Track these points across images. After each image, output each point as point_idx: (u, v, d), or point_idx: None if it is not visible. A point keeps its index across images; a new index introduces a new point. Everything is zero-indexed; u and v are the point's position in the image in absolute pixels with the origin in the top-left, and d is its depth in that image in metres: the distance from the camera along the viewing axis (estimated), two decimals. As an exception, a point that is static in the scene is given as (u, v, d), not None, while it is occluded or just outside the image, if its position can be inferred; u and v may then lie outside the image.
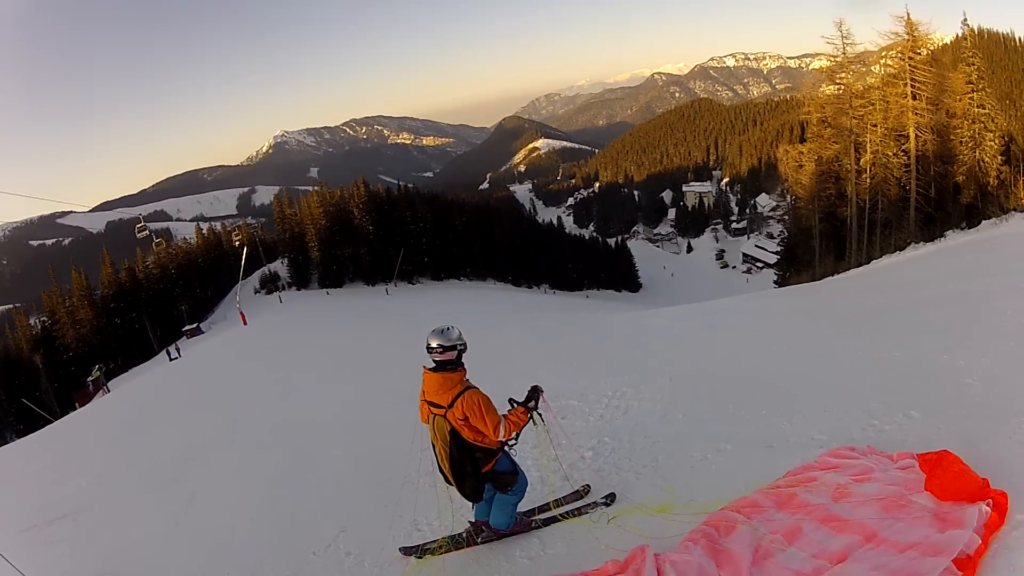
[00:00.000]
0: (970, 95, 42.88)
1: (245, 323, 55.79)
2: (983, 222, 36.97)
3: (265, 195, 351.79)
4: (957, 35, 56.93)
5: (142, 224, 59.64)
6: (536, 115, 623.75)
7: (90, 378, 61.00)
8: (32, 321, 76.54)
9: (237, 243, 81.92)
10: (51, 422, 48.93)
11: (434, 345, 6.94)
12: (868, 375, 11.65)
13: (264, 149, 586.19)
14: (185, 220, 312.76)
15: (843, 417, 9.60)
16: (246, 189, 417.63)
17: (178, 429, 21.82)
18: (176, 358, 50.27)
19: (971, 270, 24.86)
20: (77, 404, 55.32)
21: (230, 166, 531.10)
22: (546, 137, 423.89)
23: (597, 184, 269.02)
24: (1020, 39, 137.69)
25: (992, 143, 42.37)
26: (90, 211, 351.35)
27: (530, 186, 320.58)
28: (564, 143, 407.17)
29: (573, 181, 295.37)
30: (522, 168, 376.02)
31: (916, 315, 17.05)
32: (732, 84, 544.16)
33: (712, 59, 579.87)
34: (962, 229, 37.75)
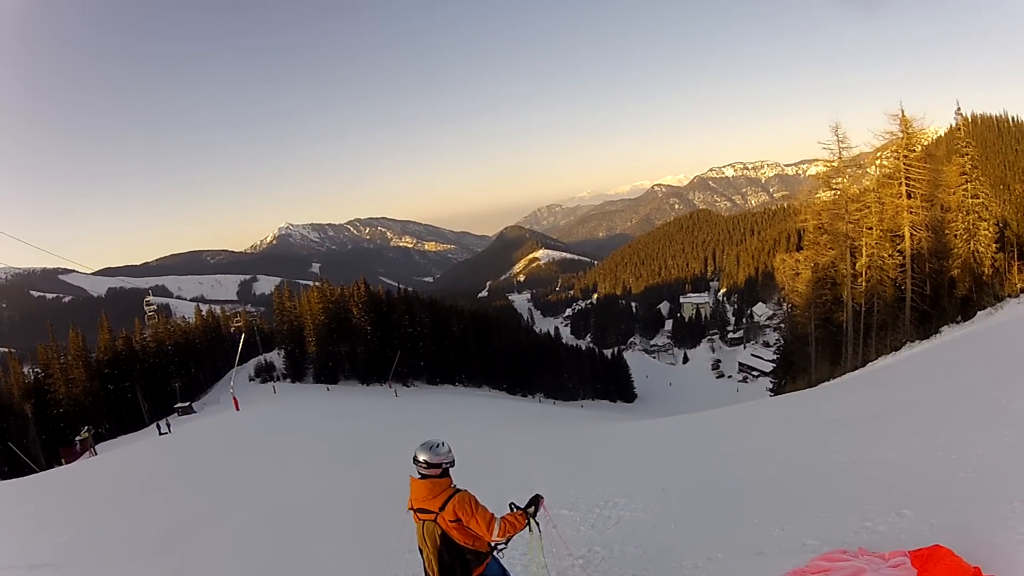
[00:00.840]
0: (964, 186, 43.24)
1: (238, 408, 55.59)
2: (978, 313, 37.03)
3: (266, 285, 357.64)
4: (951, 125, 57.46)
5: (150, 299, 59.69)
6: (537, 225, 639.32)
7: (79, 437, 60.65)
8: (26, 370, 75.88)
9: (234, 328, 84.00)
10: (36, 472, 49.24)
11: (421, 459, 6.78)
12: (860, 478, 11.75)
13: (268, 239, 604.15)
14: (185, 299, 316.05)
15: (835, 521, 9.53)
16: (248, 277, 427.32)
17: (167, 501, 21.71)
18: (166, 433, 49.99)
19: (965, 363, 25.14)
20: (63, 460, 55.86)
21: (234, 251, 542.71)
22: (546, 248, 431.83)
23: (595, 295, 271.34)
24: (1013, 119, 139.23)
25: (987, 232, 42.62)
26: (93, 273, 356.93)
27: (529, 296, 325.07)
28: (564, 254, 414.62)
29: (571, 292, 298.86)
30: (521, 278, 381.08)
31: (909, 414, 17.11)
32: (731, 194, 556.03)
33: (711, 170, 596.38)
34: (957, 323, 37.77)
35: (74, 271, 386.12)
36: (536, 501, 7.29)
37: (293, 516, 18.18)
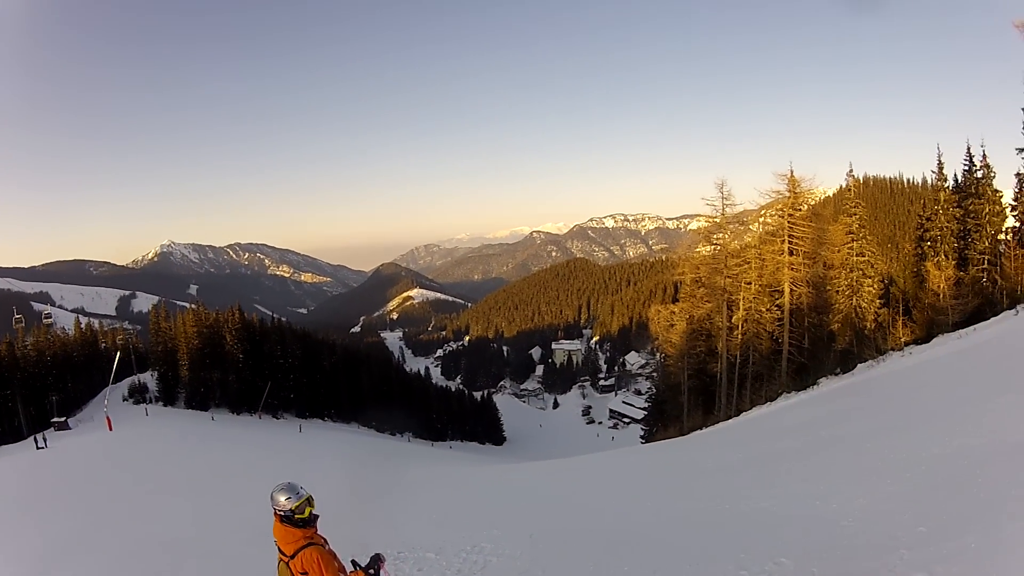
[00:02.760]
0: (850, 244, 44.42)
1: (111, 428, 54.25)
2: (858, 365, 37.66)
3: (144, 303, 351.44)
4: (841, 186, 58.79)
5: (48, 312, 57.54)
6: (414, 264, 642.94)
7: None
8: None
9: (105, 346, 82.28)
10: None
11: (277, 502, 6.58)
12: (736, 527, 12.30)
13: (150, 256, 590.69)
14: (67, 309, 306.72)
15: (709, 569, 9.80)
16: (127, 292, 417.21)
17: (43, 523, 21.07)
18: (43, 448, 48.31)
19: (843, 414, 25.39)
20: None
21: (116, 264, 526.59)
22: (421, 287, 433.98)
23: (467, 337, 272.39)
24: (907, 182, 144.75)
25: (870, 288, 44.01)
26: None
27: (401, 334, 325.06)
28: (438, 294, 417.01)
29: (444, 332, 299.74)
30: (395, 315, 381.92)
31: (786, 464, 17.78)
32: (609, 244, 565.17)
33: (592, 219, 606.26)
34: (836, 375, 38.33)
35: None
36: (376, 562, 7.13)
37: (163, 545, 17.51)
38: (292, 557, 6.45)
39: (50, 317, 59.83)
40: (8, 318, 62.14)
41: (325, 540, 6.80)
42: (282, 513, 6.55)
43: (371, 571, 6.96)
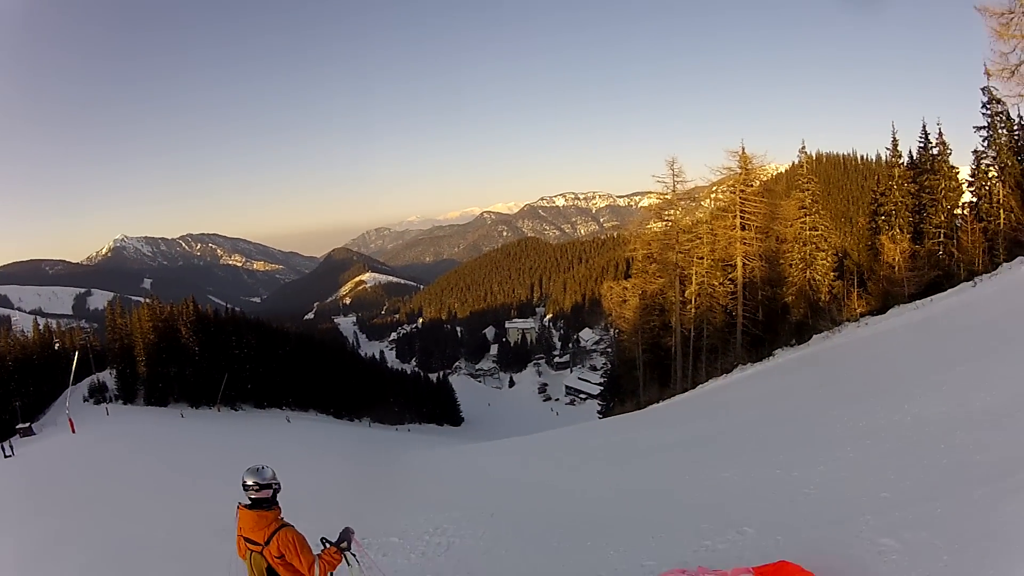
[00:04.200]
0: (803, 219, 44.84)
1: (73, 431, 53.37)
2: (814, 336, 37.97)
3: (100, 299, 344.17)
4: (794, 162, 59.18)
5: (16, 317, 56.40)
6: (365, 248, 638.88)
7: None
8: None
9: (57, 346, 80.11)
10: None
11: (250, 483, 6.69)
12: (696, 497, 12.42)
13: (104, 251, 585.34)
14: (25, 311, 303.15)
15: (672, 541, 9.80)
16: (83, 290, 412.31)
17: (13, 531, 20.59)
18: (10, 455, 46.75)
19: (800, 384, 25.85)
20: None
21: (71, 262, 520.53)
22: (373, 271, 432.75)
23: (420, 320, 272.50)
24: (861, 158, 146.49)
25: (824, 261, 44.46)
26: None
27: (355, 319, 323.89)
28: (390, 278, 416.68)
29: (397, 316, 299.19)
30: (348, 300, 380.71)
31: (744, 435, 17.86)
32: (560, 223, 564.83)
33: (542, 199, 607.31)
34: (792, 346, 38.68)
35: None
36: (347, 535, 7.13)
37: (131, 547, 17.45)
38: (267, 543, 6.46)
39: (18, 326, 58.36)
40: None
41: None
42: (254, 496, 6.60)
43: (343, 545, 6.96)
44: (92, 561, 16.44)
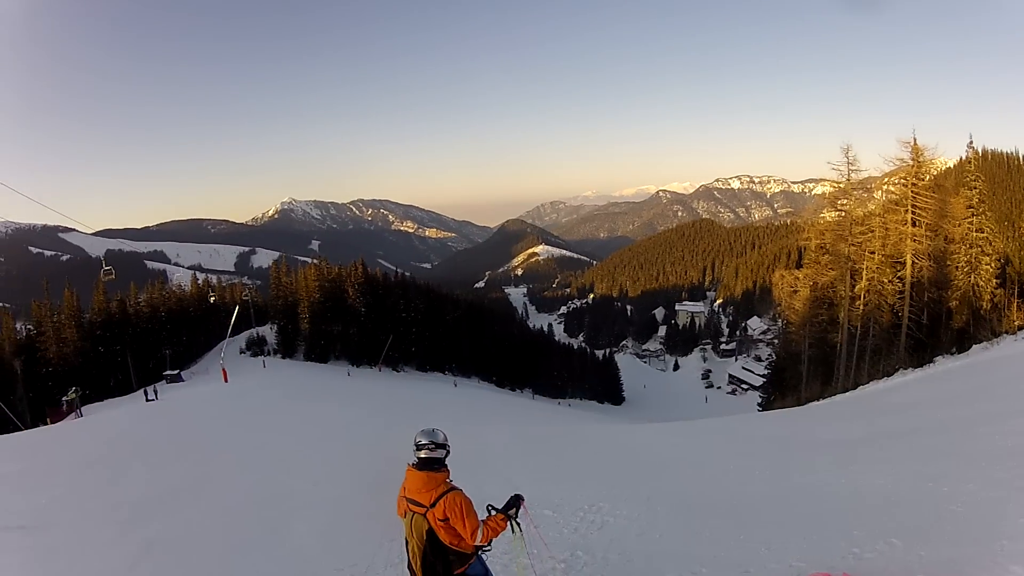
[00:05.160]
0: (970, 219, 43.17)
1: (226, 380, 55.30)
2: (973, 346, 36.88)
3: (264, 258, 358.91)
4: (961, 158, 57.20)
5: (109, 268, 57.93)
6: (539, 221, 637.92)
7: (65, 398, 59.07)
8: (19, 326, 75.09)
9: (213, 300, 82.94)
10: (20, 429, 49.11)
11: (424, 442, 6.77)
12: (850, 503, 11.78)
13: (270, 213, 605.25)
14: (183, 267, 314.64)
15: (822, 544, 9.52)
16: (247, 249, 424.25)
17: (150, 470, 21.06)
18: (153, 400, 48.91)
19: (959, 396, 24.91)
20: (49, 420, 54.91)
21: (234, 223, 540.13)
22: (546, 244, 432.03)
23: (591, 295, 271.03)
24: (1023, 158, 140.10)
25: (988, 266, 42.61)
26: (93, 234, 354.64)
27: (525, 290, 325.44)
28: (563, 252, 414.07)
29: (568, 290, 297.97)
30: (519, 272, 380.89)
31: (901, 442, 17.03)
32: (735, 206, 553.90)
33: (717, 180, 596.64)
34: (952, 354, 37.54)
35: (75, 230, 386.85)
36: (516, 502, 7.23)
37: (275, 494, 17.67)
38: (433, 505, 6.51)
39: (111, 275, 59.50)
40: (120, 279, 62.78)
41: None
42: (426, 455, 6.74)
43: (511, 512, 7.07)
44: (228, 501, 17.20)
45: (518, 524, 7.22)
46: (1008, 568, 7.16)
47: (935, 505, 10.26)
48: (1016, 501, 9.64)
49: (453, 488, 6.65)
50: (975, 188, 44.11)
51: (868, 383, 40.41)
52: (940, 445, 15.40)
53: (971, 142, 48.03)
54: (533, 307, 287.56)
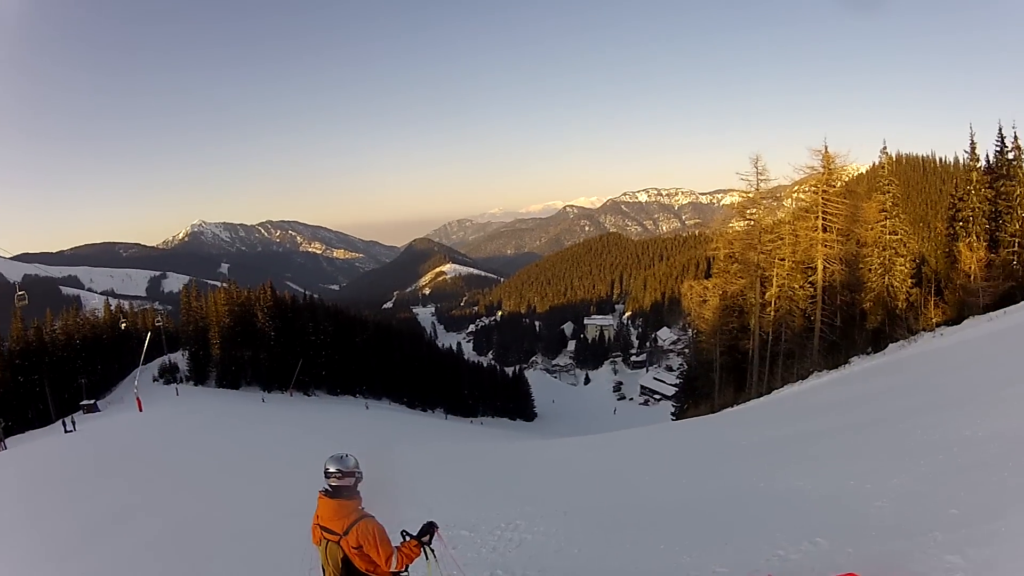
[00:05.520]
0: (883, 223, 44.05)
1: (141, 409, 54.59)
2: (889, 345, 37.69)
3: (175, 283, 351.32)
4: (875, 163, 58.46)
5: (22, 294, 56.17)
6: (446, 239, 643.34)
7: None
8: None
9: (123, 326, 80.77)
10: None
11: (332, 470, 6.62)
12: (771, 506, 12.18)
13: (180, 236, 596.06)
14: (96, 292, 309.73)
15: (745, 549, 9.69)
16: (158, 273, 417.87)
17: (71, 503, 21.28)
18: (71, 431, 48.43)
19: (876, 393, 25.43)
20: None
21: (146, 246, 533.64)
22: (454, 262, 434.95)
23: (499, 313, 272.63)
24: (940, 160, 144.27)
25: (902, 267, 43.65)
26: (11, 258, 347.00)
27: (433, 310, 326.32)
28: (471, 270, 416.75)
29: (476, 308, 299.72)
30: (427, 291, 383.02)
31: (819, 443, 17.49)
32: (642, 219, 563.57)
33: (625, 194, 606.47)
34: (868, 354, 38.35)
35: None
36: (430, 528, 7.11)
37: (196, 526, 17.65)
38: (346, 533, 6.41)
39: (24, 299, 57.86)
40: (36, 305, 61.12)
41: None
42: (335, 483, 6.59)
43: (424, 538, 6.97)
44: (155, 538, 16.91)
45: (432, 550, 7.13)
46: (943, 558, 7.34)
47: (860, 502, 10.47)
48: (945, 493, 9.83)
49: (365, 516, 6.56)
50: (888, 192, 45.14)
51: (782, 387, 41.41)
52: (860, 443, 15.64)
53: (884, 147, 48.97)
54: (442, 326, 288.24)
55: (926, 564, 7.28)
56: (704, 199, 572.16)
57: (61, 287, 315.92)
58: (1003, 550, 7.27)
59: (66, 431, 48.51)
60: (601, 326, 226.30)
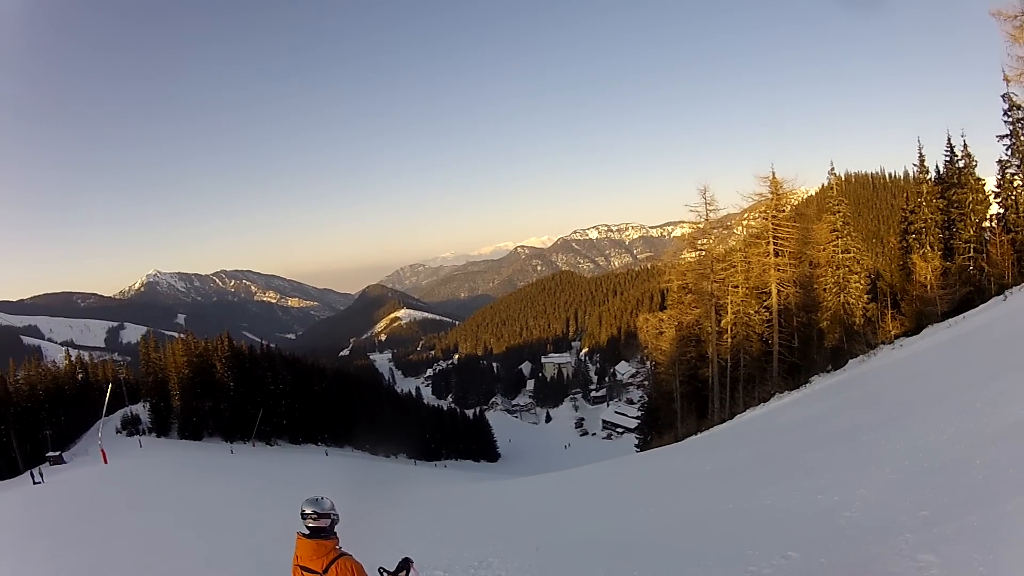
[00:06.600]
0: (835, 242, 44.54)
1: (106, 462, 53.91)
2: (849, 361, 37.89)
3: (133, 333, 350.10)
4: (823, 185, 58.93)
5: None
6: (400, 284, 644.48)
7: None
8: None
9: (80, 377, 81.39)
10: None
11: (308, 512, 6.51)
12: (740, 525, 12.47)
13: (136, 286, 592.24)
14: (56, 342, 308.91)
15: (718, 569, 9.82)
16: (116, 324, 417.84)
17: (45, 557, 20.57)
18: (40, 482, 48.15)
19: (838, 410, 25.59)
20: None
21: (103, 295, 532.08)
22: (408, 307, 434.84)
23: (456, 356, 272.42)
24: (889, 176, 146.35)
25: (857, 284, 44.07)
26: None
27: (390, 355, 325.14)
28: (426, 314, 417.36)
29: (433, 352, 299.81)
30: (383, 337, 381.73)
31: (785, 461, 17.88)
32: (594, 256, 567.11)
33: (575, 232, 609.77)
34: (828, 372, 38.61)
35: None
36: (406, 564, 7.17)
37: None
38: (325, 571, 6.37)
39: None
40: (2, 355, 61.12)
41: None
42: (312, 526, 6.52)
43: (401, 574, 7.04)
44: None
45: None
46: (916, 558, 7.49)
47: (828, 514, 10.76)
48: (914, 497, 10.11)
49: (344, 554, 6.52)
50: (838, 212, 45.65)
51: (745, 411, 41.48)
52: (825, 458, 15.95)
53: (832, 168, 49.62)
54: (399, 372, 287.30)
55: (900, 565, 7.40)
56: (655, 232, 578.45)
57: (23, 336, 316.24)
58: (976, 544, 7.39)
59: (35, 483, 48.30)
60: (559, 364, 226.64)
